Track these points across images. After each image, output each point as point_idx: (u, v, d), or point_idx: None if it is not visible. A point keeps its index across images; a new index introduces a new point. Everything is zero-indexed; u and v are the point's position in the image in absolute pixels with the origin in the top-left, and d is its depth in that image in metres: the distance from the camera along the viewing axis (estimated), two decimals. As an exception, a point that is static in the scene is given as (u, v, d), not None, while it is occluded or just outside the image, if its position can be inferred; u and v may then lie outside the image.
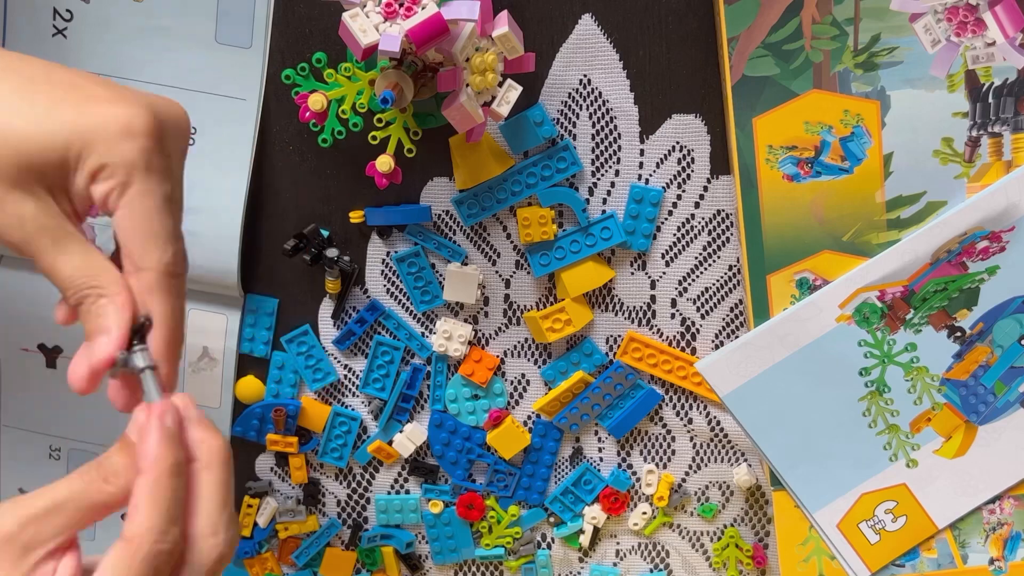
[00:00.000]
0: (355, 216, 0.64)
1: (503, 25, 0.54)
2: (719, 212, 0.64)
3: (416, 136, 0.60)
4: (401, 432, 0.67)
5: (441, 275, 0.65)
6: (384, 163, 0.59)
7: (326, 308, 0.66)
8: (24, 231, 0.42)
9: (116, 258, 0.46)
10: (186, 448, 0.42)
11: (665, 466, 0.68)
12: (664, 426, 0.67)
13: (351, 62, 0.60)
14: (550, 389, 0.67)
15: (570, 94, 0.62)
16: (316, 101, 0.59)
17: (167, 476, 0.41)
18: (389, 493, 0.69)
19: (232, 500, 0.43)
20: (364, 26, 0.53)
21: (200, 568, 0.41)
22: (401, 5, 0.53)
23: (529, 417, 0.67)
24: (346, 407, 0.68)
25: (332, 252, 0.62)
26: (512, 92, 0.57)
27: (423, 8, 0.53)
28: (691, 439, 0.67)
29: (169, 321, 0.44)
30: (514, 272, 0.65)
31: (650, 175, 0.63)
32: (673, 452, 0.68)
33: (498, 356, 0.66)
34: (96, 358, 0.43)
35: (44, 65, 0.44)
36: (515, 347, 0.66)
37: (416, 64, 0.57)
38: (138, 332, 0.44)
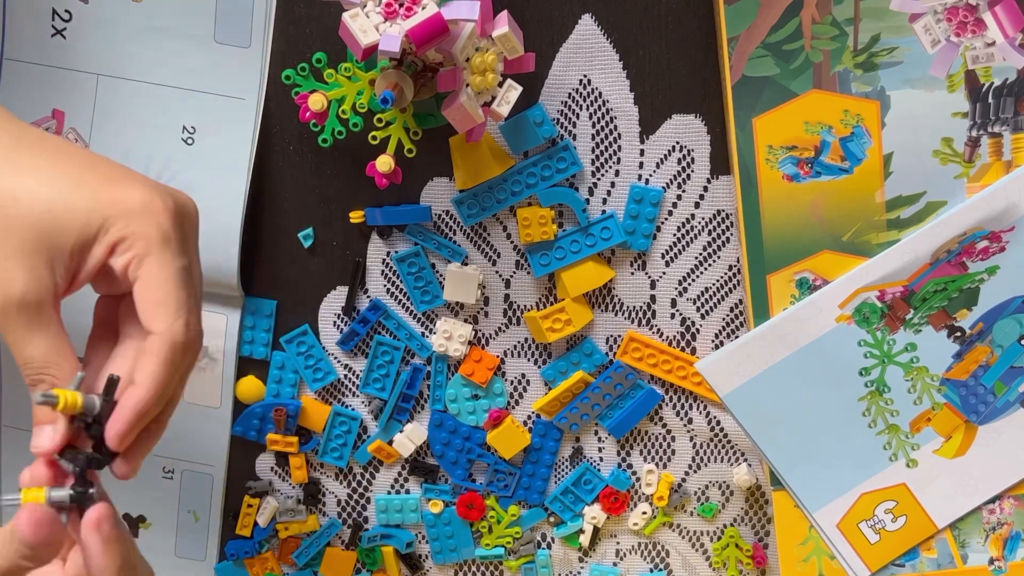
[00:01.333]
0: (355, 216, 0.64)
1: (503, 25, 0.54)
2: (719, 212, 0.64)
3: (416, 136, 0.60)
4: (401, 432, 0.67)
5: (441, 275, 0.65)
6: (384, 163, 0.59)
7: (326, 308, 0.66)
8: (4, 300, 0.43)
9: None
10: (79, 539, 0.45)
11: (665, 466, 0.68)
12: (664, 426, 0.67)
13: (351, 62, 0.60)
14: (550, 389, 0.67)
15: (570, 94, 0.62)
16: (316, 101, 0.59)
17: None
18: (389, 493, 0.69)
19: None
20: (364, 26, 0.53)
21: None
22: (401, 5, 0.53)
23: (529, 417, 0.68)
24: (346, 407, 0.68)
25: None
26: (512, 92, 0.57)
27: (423, 8, 0.53)
28: (691, 439, 0.67)
29: (149, 385, 0.45)
30: (514, 272, 0.65)
31: (650, 175, 0.63)
32: (673, 452, 0.68)
33: (498, 356, 0.66)
34: (39, 448, 0.46)
35: (58, 141, 0.47)
36: (515, 347, 0.66)
37: (416, 64, 0.57)
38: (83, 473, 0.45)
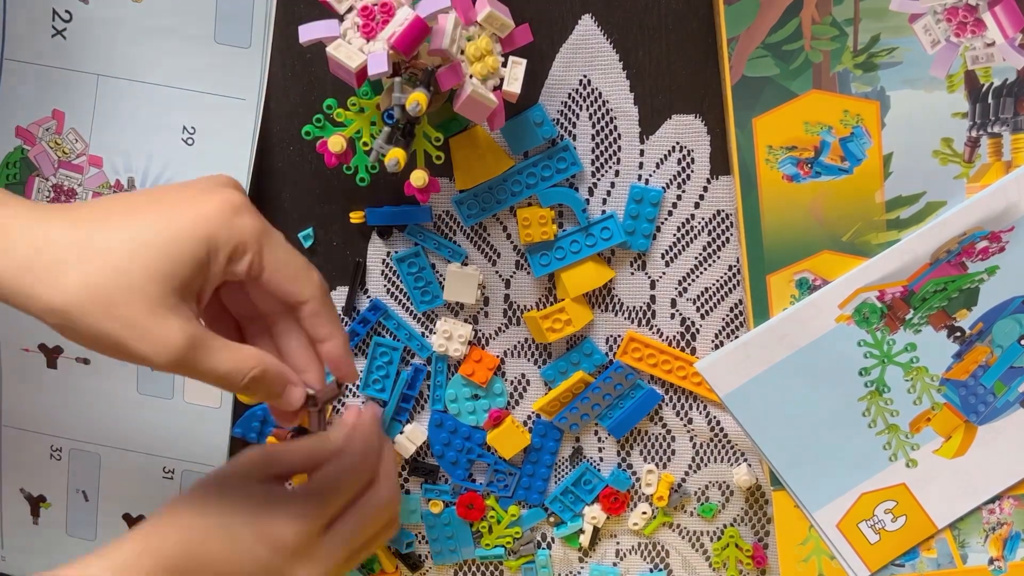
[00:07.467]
0: (355, 216, 0.64)
1: (484, 6, 0.54)
2: (719, 212, 0.64)
3: (438, 142, 0.59)
4: (401, 432, 0.67)
5: (441, 275, 0.65)
6: (419, 178, 0.57)
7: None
8: (175, 352, 0.46)
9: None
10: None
11: (665, 466, 0.68)
12: (664, 426, 0.67)
13: (357, 95, 0.60)
14: (550, 389, 0.67)
15: (570, 94, 0.62)
16: (335, 143, 0.58)
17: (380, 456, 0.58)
18: (389, 493, 0.69)
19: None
20: (349, 53, 0.53)
21: (374, 504, 0.57)
22: (374, 20, 0.53)
23: (529, 417, 0.68)
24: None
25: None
26: (518, 68, 0.56)
27: (398, 13, 0.53)
28: (691, 439, 0.67)
29: (339, 331, 0.54)
30: (514, 272, 0.65)
31: (650, 175, 0.63)
32: (673, 452, 0.68)
33: (498, 356, 0.66)
34: (292, 405, 0.53)
35: (104, 199, 0.50)
36: (515, 347, 0.66)
37: (416, 73, 0.57)
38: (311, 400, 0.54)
